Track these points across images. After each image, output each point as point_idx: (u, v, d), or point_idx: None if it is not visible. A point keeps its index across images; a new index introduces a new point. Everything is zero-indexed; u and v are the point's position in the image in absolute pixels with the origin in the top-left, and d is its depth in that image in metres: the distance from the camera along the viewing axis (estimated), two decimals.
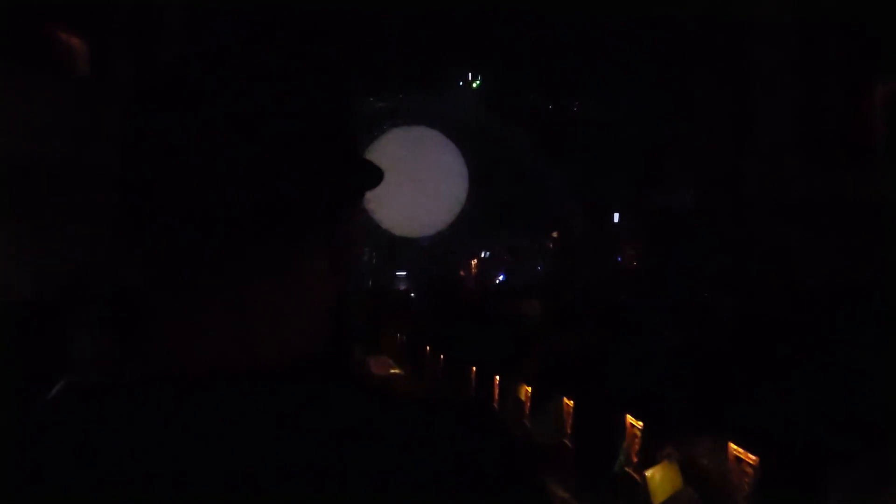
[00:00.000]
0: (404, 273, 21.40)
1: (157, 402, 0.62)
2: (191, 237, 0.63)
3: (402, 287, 19.92)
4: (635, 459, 3.66)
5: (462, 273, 21.25)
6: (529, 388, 5.27)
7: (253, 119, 0.63)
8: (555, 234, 20.74)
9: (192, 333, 0.63)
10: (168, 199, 0.62)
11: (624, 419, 3.83)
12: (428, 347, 9.56)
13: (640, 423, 3.68)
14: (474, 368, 6.97)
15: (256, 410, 0.61)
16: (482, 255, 21.97)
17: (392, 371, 11.31)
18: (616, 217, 17.27)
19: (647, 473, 3.38)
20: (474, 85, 19.65)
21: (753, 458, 2.76)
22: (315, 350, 0.66)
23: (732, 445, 2.87)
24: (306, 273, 0.66)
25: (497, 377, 6.15)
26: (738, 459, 2.81)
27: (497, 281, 20.21)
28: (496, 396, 6.09)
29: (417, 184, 21.04)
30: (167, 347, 0.64)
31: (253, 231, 0.63)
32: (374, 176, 0.71)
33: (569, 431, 4.54)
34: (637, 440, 3.67)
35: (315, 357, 0.65)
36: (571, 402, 4.59)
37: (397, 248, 21.35)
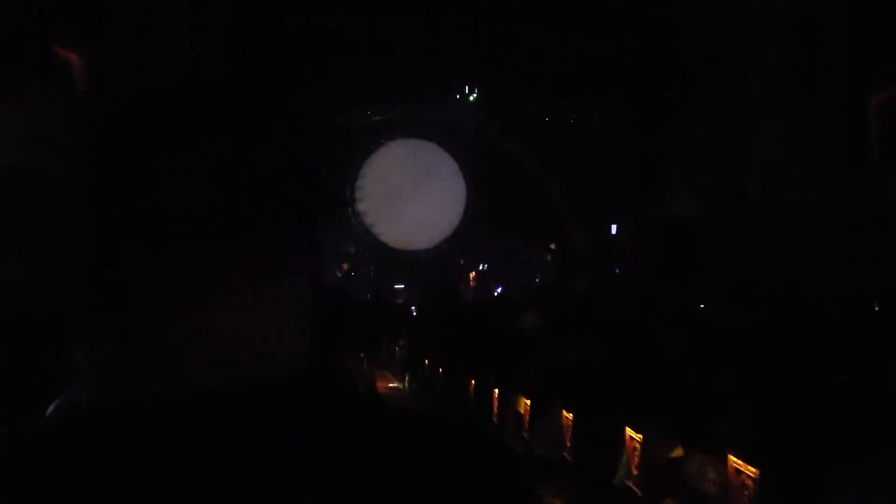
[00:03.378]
0: (402, 286, 21.38)
1: (145, 421, 0.61)
2: (170, 251, 0.62)
3: (401, 300, 19.90)
4: (635, 472, 3.65)
5: (460, 285, 21.23)
6: (528, 401, 5.26)
7: (234, 133, 0.63)
8: (552, 246, 20.75)
9: (176, 350, 0.63)
10: (148, 212, 0.62)
11: (623, 432, 3.82)
12: (427, 360, 9.55)
13: (640, 436, 3.67)
14: (473, 381, 6.96)
15: (244, 426, 0.61)
16: (480, 267, 21.96)
17: (390, 384, 11.28)
18: (613, 228, 17.28)
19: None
20: (471, 97, 19.68)
21: (753, 470, 2.75)
22: (302, 363, 0.65)
23: (732, 458, 2.86)
24: (287, 286, 0.65)
25: (496, 390, 6.13)
26: (738, 472, 2.80)
27: (495, 293, 20.19)
28: (495, 409, 6.08)
29: (415, 196, 21.05)
30: (152, 365, 0.63)
31: (232, 243, 0.63)
32: (339, 202, 0.71)
33: (568, 444, 4.52)
34: (637, 453, 3.65)
35: (303, 370, 0.65)
36: (570, 414, 4.57)
37: (395, 260, 21.34)
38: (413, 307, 16.70)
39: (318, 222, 0.69)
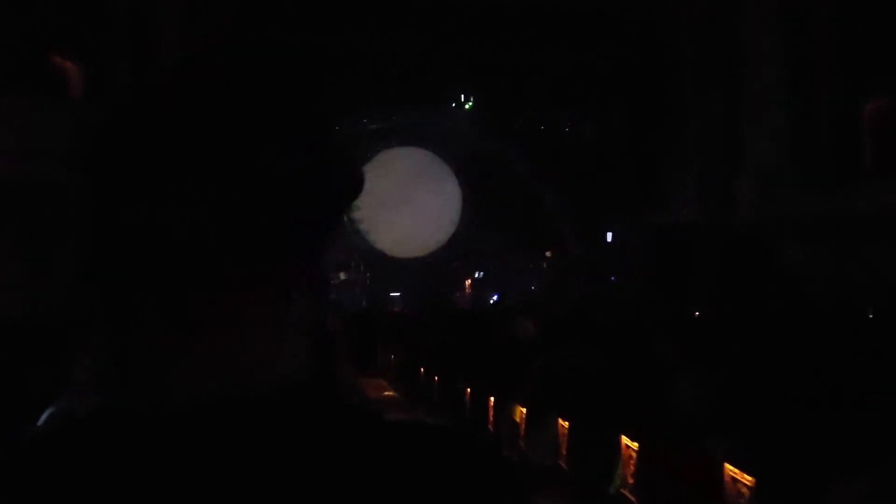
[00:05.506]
0: (399, 294, 21.37)
1: (142, 432, 0.61)
2: (168, 261, 0.62)
3: (397, 308, 19.89)
4: (631, 480, 3.64)
5: (456, 293, 21.23)
6: (524, 409, 5.25)
7: (233, 141, 0.63)
8: (548, 254, 20.75)
9: (173, 361, 0.63)
10: (146, 223, 0.62)
11: (619, 440, 3.81)
12: (422, 368, 9.54)
13: (636, 444, 3.66)
14: (469, 389, 6.95)
15: (241, 439, 0.61)
16: (476, 275, 21.96)
17: (385, 393, 11.27)
18: (609, 236, 17.30)
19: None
20: (467, 106, 19.72)
21: (749, 478, 2.74)
22: (300, 374, 0.65)
23: (728, 466, 2.86)
24: (288, 297, 0.65)
25: (492, 398, 6.13)
26: (734, 480, 2.79)
27: (491, 301, 20.19)
28: (491, 417, 6.07)
29: (411, 205, 21.06)
30: (150, 375, 0.63)
31: (232, 254, 0.62)
32: (356, 185, 0.69)
33: (564, 452, 4.52)
34: (632, 461, 3.65)
35: (301, 381, 0.65)
36: (566, 423, 4.57)
37: (391, 268, 21.33)
38: (409, 315, 16.69)
39: (326, 236, 0.68)
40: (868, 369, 3.50)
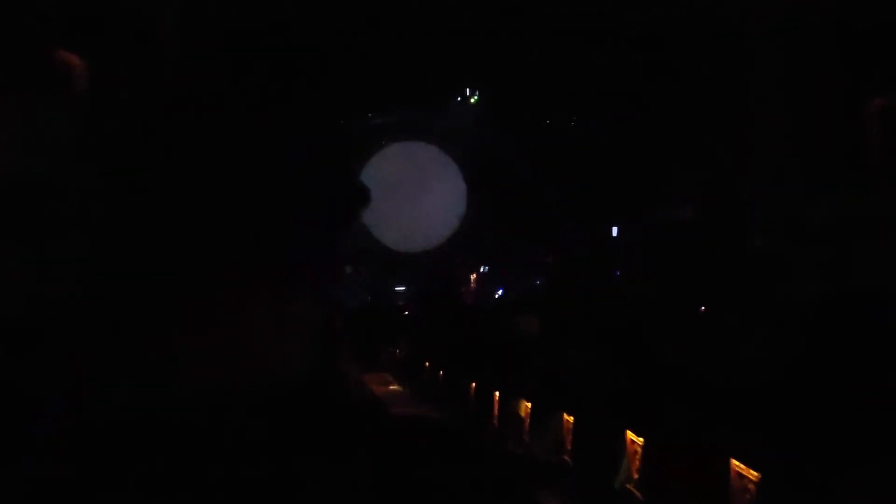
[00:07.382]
0: (403, 289, 21.38)
1: (144, 431, 0.61)
2: (173, 261, 0.62)
3: (401, 303, 19.92)
4: (636, 476, 3.64)
5: (461, 288, 21.22)
6: (529, 404, 5.25)
7: (238, 144, 0.63)
8: (552, 249, 20.73)
9: (177, 360, 0.62)
10: (157, 223, 0.62)
11: (624, 435, 3.81)
12: (427, 363, 9.55)
13: (641, 440, 3.66)
14: (474, 384, 6.96)
15: (246, 436, 0.61)
16: (480, 270, 21.95)
17: (391, 388, 11.29)
18: (614, 231, 17.28)
19: None
20: (472, 100, 19.70)
21: (755, 474, 2.74)
22: (305, 371, 0.65)
23: (734, 461, 2.86)
24: (292, 296, 0.65)
25: (497, 393, 6.13)
26: (740, 475, 2.79)
27: (496, 296, 20.19)
28: (496, 412, 6.08)
29: (415, 199, 21.06)
30: (153, 374, 0.63)
31: (236, 255, 0.62)
32: (363, 195, 0.70)
33: (569, 448, 4.52)
34: (637, 456, 3.65)
35: (305, 378, 0.65)
36: (571, 418, 4.57)
37: (395, 263, 21.34)
38: (413, 309, 16.72)
39: (331, 238, 0.68)
40: (870, 368, 3.50)
